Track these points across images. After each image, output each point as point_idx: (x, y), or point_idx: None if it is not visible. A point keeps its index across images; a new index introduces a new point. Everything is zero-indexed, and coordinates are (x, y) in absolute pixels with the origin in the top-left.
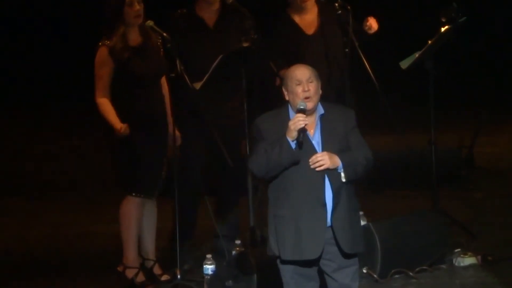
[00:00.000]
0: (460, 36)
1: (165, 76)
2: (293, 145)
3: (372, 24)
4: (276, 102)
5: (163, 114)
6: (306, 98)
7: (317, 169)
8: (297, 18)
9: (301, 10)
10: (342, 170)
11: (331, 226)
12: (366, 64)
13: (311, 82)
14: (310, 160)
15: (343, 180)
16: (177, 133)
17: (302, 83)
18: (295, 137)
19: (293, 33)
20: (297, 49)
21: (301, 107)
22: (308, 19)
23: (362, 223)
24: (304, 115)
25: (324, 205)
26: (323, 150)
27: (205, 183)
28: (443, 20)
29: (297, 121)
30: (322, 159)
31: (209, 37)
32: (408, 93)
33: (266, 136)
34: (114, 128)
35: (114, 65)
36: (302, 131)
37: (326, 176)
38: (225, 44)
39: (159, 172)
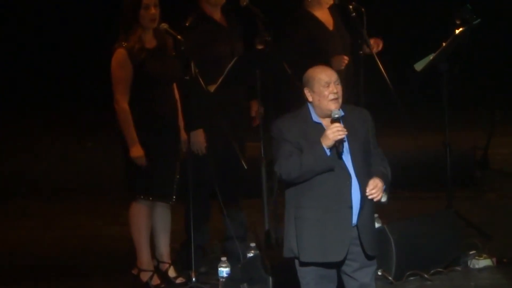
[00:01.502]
0: (474, 37)
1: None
2: (327, 152)
3: (377, 48)
4: (290, 104)
5: (176, 117)
6: (334, 99)
7: (375, 199)
8: (317, 14)
9: (318, 6)
10: (384, 191)
11: (357, 227)
12: (380, 65)
13: (338, 84)
14: (367, 194)
15: (383, 200)
16: (185, 135)
17: (330, 84)
18: (331, 146)
19: (317, 29)
20: (322, 45)
21: (336, 115)
22: (325, 16)
23: (377, 225)
24: (341, 125)
25: (351, 207)
26: (350, 151)
27: (218, 185)
28: (458, 22)
29: (336, 132)
30: (377, 188)
31: (228, 39)
32: (422, 94)
33: (288, 137)
34: (130, 150)
35: (132, 67)
36: (342, 142)
37: (354, 177)
38: (239, 43)
39: (171, 176)
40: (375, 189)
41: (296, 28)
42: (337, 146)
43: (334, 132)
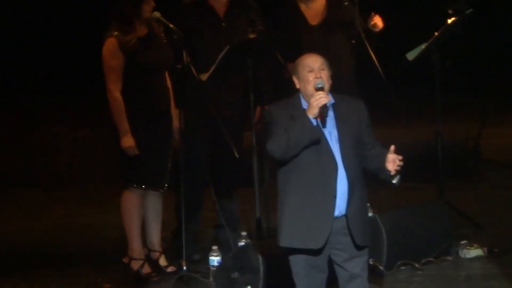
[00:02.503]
0: (467, 27)
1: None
2: (313, 122)
3: (377, 22)
4: (284, 93)
5: (168, 105)
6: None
7: (393, 172)
8: (303, 7)
9: None
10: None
11: (346, 217)
12: (373, 55)
13: (323, 69)
14: (398, 165)
15: (395, 182)
16: (177, 123)
17: (314, 70)
18: (316, 114)
19: (296, 22)
20: (298, 39)
21: (319, 85)
22: (314, 9)
23: (369, 215)
24: (324, 93)
25: (335, 196)
26: (339, 139)
27: (209, 174)
28: (450, 11)
29: (319, 98)
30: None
31: (219, 26)
32: (414, 84)
33: (279, 122)
34: (121, 140)
35: (124, 56)
36: (325, 108)
37: (341, 167)
38: (234, 34)
39: (164, 164)
40: (400, 160)
41: (274, 20)
42: (321, 112)
43: (317, 100)
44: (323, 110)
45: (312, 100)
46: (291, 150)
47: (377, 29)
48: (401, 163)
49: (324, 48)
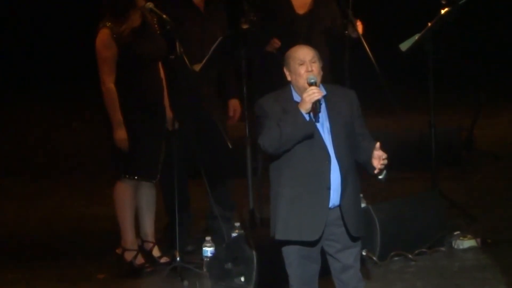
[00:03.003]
0: (460, 17)
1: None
2: (306, 117)
3: (358, 26)
4: (276, 85)
5: (161, 96)
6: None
7: (378, 168)
8: None
9: None
10: (384, 169)
11: (340, 208)
12: (366, 45)
13: (314, 62)
14: (381, 164)
15: (381, 177)
16: (170, 114)
17: (305, 63)
18: (309, 109)
19: (283, 10)
20: (284, 27)
21: (312, 80)
22: None
23: (362, 205)
24: (317, 87)
25: (328, 188)
26: (331, 132)
27: (203, 166)
28: (443, 2)
29: (312, 93)
30: (385, 157)
31: (200, 21)
32: (407, 74)
33: (270, 114)
34: (114, 132)
35: (117, 46)
36: (318, 103)
37: (334, 158)
38: (213, 28)
39: (157, 155)
40: (385, 161)
41: (263, 7)
42: (314, 108)
43: (310, 95)
44: (316, 105)
45: (304, 95)
46: (284, 145)
47: (354, 35)
48: (386, 161)
49: (307, 39)
